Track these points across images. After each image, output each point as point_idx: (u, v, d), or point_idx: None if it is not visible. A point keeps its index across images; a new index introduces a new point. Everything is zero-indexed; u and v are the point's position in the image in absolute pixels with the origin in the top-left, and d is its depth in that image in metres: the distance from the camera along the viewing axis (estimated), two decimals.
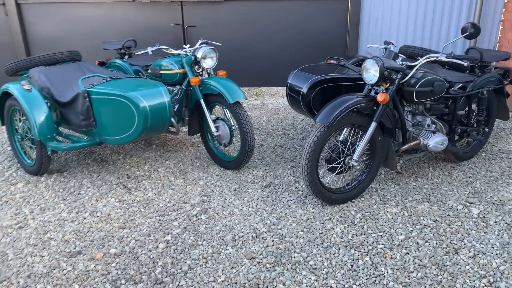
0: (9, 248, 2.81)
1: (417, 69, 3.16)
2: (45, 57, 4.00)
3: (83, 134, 3.70)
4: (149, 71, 4.10)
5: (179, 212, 3.20)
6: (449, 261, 2.62)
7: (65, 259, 2.70)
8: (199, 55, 3.71)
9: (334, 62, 4.13)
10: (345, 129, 3.26)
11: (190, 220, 3.10)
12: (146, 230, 2.99)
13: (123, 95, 3.24)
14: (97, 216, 3.16)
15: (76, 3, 5.62)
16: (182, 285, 2.47)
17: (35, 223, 3.08)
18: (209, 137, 3.94)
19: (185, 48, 3.85)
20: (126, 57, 4.48)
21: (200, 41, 3.90)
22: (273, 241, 2.84)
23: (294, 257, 2.68)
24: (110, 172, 3.84)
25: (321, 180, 3.13)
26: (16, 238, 2.91)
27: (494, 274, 2.51)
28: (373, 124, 3.08)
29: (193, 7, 5.69)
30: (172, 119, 3.72)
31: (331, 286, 2.43)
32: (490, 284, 2.43)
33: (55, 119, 3.68)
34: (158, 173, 3.82)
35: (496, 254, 2.67)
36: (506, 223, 2.98)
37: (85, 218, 3.14)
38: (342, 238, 2.85)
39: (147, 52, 3.75)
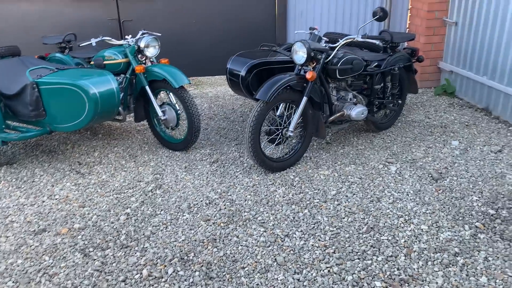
0: None
1: (338, 49, 3.65)
2: None
3: (33, 124, 3.81)
4: (92, 63, 4.26)
5: (135, 189, 3.46)
6: (373, 208, 3.13)
7: (31, 236, 2.88)
8: (142, 44, 3.95)
9: (267, 48, 4.55)
10: (281, 104, 3.68)
11: (146, 195, 3.37)
12: (106, 206, 3.22)
13: (73, 83, 3.42)
14: (56, 199, 3.33)
15: None
16: (146, 247, 2.76)
17: None
18: (156, 122, 4.20)
19: (127, 39, 4.07)
20: (67, 50, 4.59)
21: (141, 32, 4.13)
22: (225, 205, 3.20)
23: (244, 215, 3.06)
24: (60, 161, 3.98)
25: (263, 151, 3.53)
26: None
27: (409, 214, 3.05)
28: (304, 99, 3.53)
29: (128, 1, 5.86)
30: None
31: (277, 234, 2.84)
32: (406, 221, 2.96)
33: (3, 112, 3.75)
34: (108, 158, 4.02)
35: (410, 199, 3.23)
36: (418, 175, 3.57)
37: (43, 201, 3.31)
38: (284, 197, 3.28)
39: (91, 43, 3.93)
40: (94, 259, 2.65)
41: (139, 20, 5.96)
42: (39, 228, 2.96)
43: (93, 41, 3.94)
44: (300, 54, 3.52)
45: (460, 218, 2.97)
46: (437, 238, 2.77)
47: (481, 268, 2.50)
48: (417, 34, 5.64)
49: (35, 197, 3.37)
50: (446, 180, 3.47)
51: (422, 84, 5.75)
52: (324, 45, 3.66)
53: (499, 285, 2.37)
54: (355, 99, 3.98)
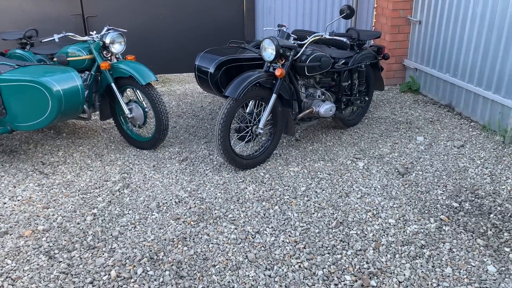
0: None
1: (306, 47, 3.68)
2: None
3: None
4: (54, 59, 4.12)
5: (101, 189, 3.38)
6: (342, 203, 3.17)
7: None
8: (107, 40, 3.85)
9: (236, 45, 4.53)
10: (251, 101, 3.67)
11: (113, 194, 3.29)
12: (71, 207, 3.13)
13: (35, 80, 3.30)
14: (18, 200, 3.21)
15: None
16: (114, 248, 2.70)
17: None
18: (123, 120, 4.11)
19: (92, 35, 3.96)
20: (28, 47, 4.43)
21: (106, 28, 4.03)
22: (195, 203, 3.16)
23: (215, 213, 3.04)
24: (23, 161, 3.83)
25: (233, 148, 3.52)
26: None
27: (377, 208, 3.10)
28: (274, 96, 3.53)
29: None
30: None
31: (248, 231, 2.83)
32: (374, 215, 3.02)
33: None
34: (73, 158, 3.91)
35: (378, 194, 3.29)
36: (385, 171, 3.64)
37: (5, 203, 3.18)
38: (254, 194, 3.27)
39: (54, 39, 3.80)
40: (60, 261, 2.57)
41: (103, 16, 5.81)
42: (0, 231, 2.84)
43: (56, 37, 3.81)
44: (269, 51, 3.52)
45: (426, 212, 3.05)
46: (404, 232, 2.83)
47: (446, 259, 2.57)
48: (383, 32, 5.75)
49: None
50: (412, 174, 3.56)
51: (388, 81, 5.88)
52: (293, 42, 3.68)
53: (463, 275, 2.45)
54: (323, 96, 4.02)
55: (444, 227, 2.87)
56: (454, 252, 2.64)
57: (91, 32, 3.98)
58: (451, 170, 3.61)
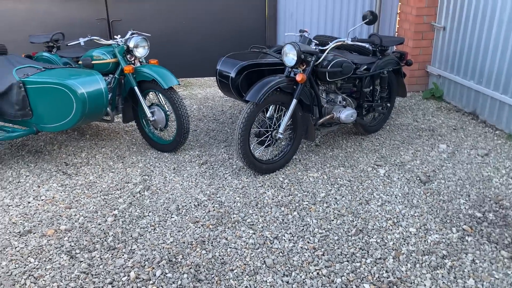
0: None
1: (328, 52, 3.66)
2: None
3: (19, 124, 3.75)
4: (79, 62, 4.21)
5: (122, 190, 3.42)
6: (362, 210, 3.14)
7: (16, 238, 2.83)
8: (131, 44, 3.92)
9: (257, 50, 4.55)
10: (271, 106, 3.67)
11: (134, 196, 3.34)
12: (93, 208, 3.18)
13: (61, 83, 3.38)
14: (42, 200, 3.28)
15: None
16: (134, 249, 2.73)
17: None
18: (145, 123, 4.16)
19: (116, 39, 4.03)
20: (55, 50, 4.53)
21: (130, 32, 4.10)
22: (213, 207, 3.18)
23: (233, 217, 3.04)
24: (47, 162, 3.92)
25: (252, 152, 3.52)
26: None
27: (397, 216, 3.06)
28: (294, 101, 3.53)
29: (117, 1, 5.81)
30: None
31: (266, 236, 2.83)
32: (394, 224, 2.98)
33: None
34: (96, 159, 3.98)
35: (399, 202, 3.24)
36: (406, 178, 3.59)
37: (29, 202, 3.25)
38: (273, 199, 3.27)
39: (79, 42, 3.88)
40: (81, 261, 2.61)
41: (128, 20, 5.91)
42: (24, 230, 2.91)
43: (82, 40, 3.89)
44: (290, 57, 3.52)
45: (448, 221, 2.99)
46: (425, 241, 2.79)
47: (468, 271, 2.51)
48: (406, 38, 5.69)
49: (20, 198, 3.31)
50: (434, 183, 3.50)
51: (411, 88, 5.80)
52: (314, 47, 3.67)
53: None
54: (344, 102, 3.99)
55: (466, 238, 2.81)
56: (477, 263, 2.58)
57: (115, 36, 4.05)
58: (474, 179, 3.53)
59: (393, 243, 2.76)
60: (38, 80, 3.44)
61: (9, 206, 3.20)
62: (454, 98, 5.31)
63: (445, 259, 2.62)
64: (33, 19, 5.68)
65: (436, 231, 2.88)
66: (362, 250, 2.70)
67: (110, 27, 5.91)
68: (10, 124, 3.88)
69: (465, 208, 3.14)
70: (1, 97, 3.60)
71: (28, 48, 5.38)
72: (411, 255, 2.65)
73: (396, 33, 6.16)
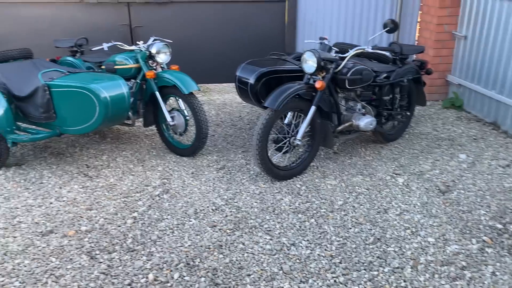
0: None
1: (348, 59, 3.67)
2: None
3: (43, 126, 3.84)
4: (103, 67, 4.30)
5: (142, 193, 3.47)
6: (380, 219, 3.12)
7: (38, 237, 2.89)
8: (153, 50, 3.98)
9: (276, 57, 4.58)
10: (289, 113, 3.69)
11: (153, 199, 3.38)
12: (113, 210, 3.24)
13: (85, 86, 3.46)
14: (63, 201, 3.35)
15: (22, 3, 5.65)
16: (152, 251, 2.76)
17: (1, 211, 3.22)
18: (164, 127, 4.22)
19: (139, 44, 4.11)
20: (78, 54, 4.64)
21: (152, 38, 4.17)
22: (231, 212, 3.20)
23: (251, 223, 3.06)
24: (69, 163, 4.00)
25: (270, 158, 3.54)
26: None
27: (416, 225, 3.04)
28: (313, 108, 3.54)
29: (139, 7, 5.92)
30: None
31: (283, 243, 2.84)
32: (413, 233, 2.95)
33: (14, 113, 3.79)
34: (116, 162, 4.04)
35: (418, 211, 3.22)
36: (425, 188, 3.56)
37: (51, 203, 3.32)
38: (290, 206, 3.28)
39: (103, 48, 3.97)
40: (101, 262, 2.66)
41: (149, 27, 6.01)
42: (46, 230, 2.97)
43: (105, 45, 3.98)
44: (310, 64, 3.54)
45: (468, 232, 2.95)
46: (444, 251, 2.76)
47: (488, 283, 2.48)
48: (426, 47, 5.65)
49: (43, 198, 3.39)
50: (453, 193, 3.46)
51: (430, 96, 5.75)
52: (334, 55, 3.68)
53: None
54: (363, 110, 3.99)
55: (486, 249, 2.77)
56: (497, 275, 2.54)
57: (137, 42, 4.13)
58: (495, 190, 3.48)
59: (411, 253, 2.74)
60: (63, 83, 3.53)
61: (32, 206, 3.28)
62: (475, 107, 5.24)
63: (464, 270, 2.58)
64: (58, 24, 5.82)
65: (455, 241, 2.85)
66: (380, 258, 2.69)
67: (132, 32, 6.01)
68: (34, 126, 3.97)
69: (485, 219, 3.10)
70: (27, 99, 3.70)
71: (53, 52, 5.51)
72: (429, 265, 2.62)
73: (416, 42, 6.13)
